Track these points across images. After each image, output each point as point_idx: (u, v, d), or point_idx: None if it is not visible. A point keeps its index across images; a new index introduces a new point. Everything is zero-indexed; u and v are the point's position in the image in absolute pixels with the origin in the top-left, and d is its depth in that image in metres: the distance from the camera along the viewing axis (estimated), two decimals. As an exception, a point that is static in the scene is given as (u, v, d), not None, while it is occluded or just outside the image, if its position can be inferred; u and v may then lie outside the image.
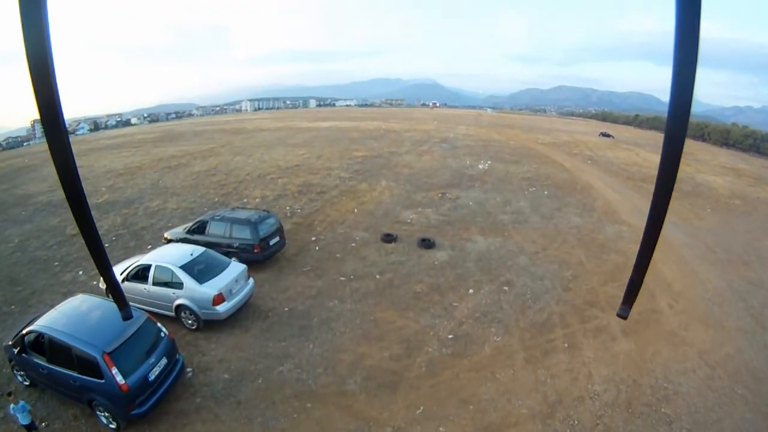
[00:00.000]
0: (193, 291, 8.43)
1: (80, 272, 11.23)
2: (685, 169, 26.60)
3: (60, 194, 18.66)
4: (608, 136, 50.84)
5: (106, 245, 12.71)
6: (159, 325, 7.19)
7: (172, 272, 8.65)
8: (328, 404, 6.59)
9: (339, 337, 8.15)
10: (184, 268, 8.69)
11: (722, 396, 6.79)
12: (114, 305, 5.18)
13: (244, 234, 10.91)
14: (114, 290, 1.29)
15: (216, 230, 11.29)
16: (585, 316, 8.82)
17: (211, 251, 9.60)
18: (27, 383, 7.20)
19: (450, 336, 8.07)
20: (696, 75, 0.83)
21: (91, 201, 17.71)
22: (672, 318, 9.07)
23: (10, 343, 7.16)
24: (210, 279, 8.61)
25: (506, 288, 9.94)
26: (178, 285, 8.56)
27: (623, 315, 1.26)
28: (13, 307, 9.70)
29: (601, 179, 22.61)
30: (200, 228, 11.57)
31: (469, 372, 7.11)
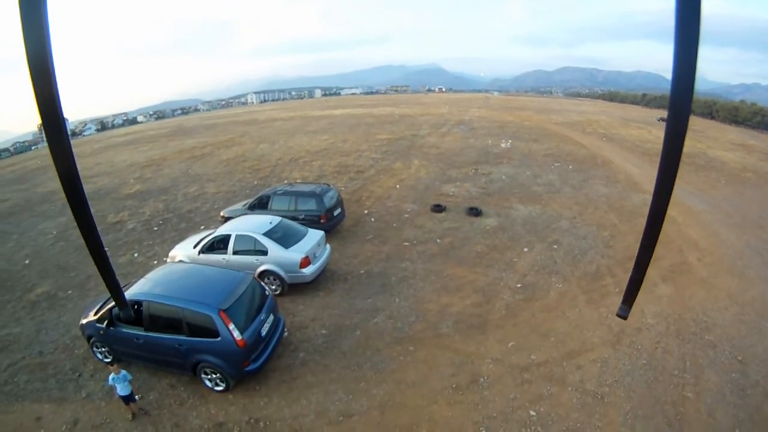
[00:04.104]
0: (279, 256, 8.83)
1: (135, 254, 11.75)
2: (696, 145, 27.50)
3: (87, 188, 19.43)
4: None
5: (155, 229, 13.81)
6: (263, 284, 7.51)
7: (255, 240, 9.03)
8: (429, 346, 7.38)
9: (420, 291, 9.16)
10: (267, 235, 9.11)
11: (752, 328, 7.83)
12: (216, 269, 6.54)
13: (309, 206, 11.57)
14: (114, 290, 1.29)
15: (280, 205, 11.82)
16: (628, 267, 9.92)
17: (287, 220, 10.09)
18: (108, 360, 7.02)
19: (518, 285, 9.28)
20: (696, 76, 0.82)
21: (123, 192, 18.56)
22: (701, 269, 10.16)
23: (92, 318, 7.02)
24: (294, 244, 9.08)
25: (555, 246, 11.16)
26: (262, 252, 8.94)
27: (623, 315, 1.27)
28: (70, 292, 9.92)
29: (619, 155, 23.62)
30: (261, 203, 12.07)
31: (542, 312, 8.30)
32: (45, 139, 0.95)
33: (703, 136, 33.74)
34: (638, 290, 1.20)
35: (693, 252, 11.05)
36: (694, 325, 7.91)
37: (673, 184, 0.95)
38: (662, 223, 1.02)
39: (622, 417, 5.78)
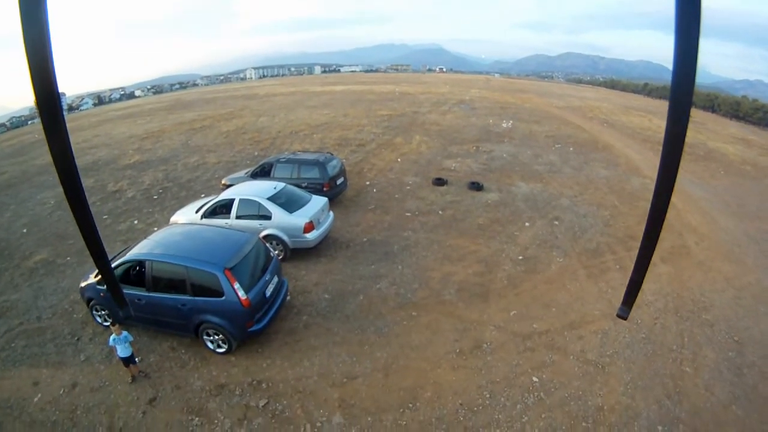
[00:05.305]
0: (282, 221, 8.82)
1: (135, 221, 11.62)
2: (697, 137, 27.44)
3: (85, 159, 19.09)
4: None
5: (154, 197, 13.58)
6: (268, 245, 7.40)
7: (259, 204, 8.99)
8: (432, 312, 7.44)
9: (423, 260, 9.17)
10: (271, 199, 9.06)
11: (749, 311, 7.90)
12: (220, 229, 6.28)
13: (312, 174, 11.44)
14: (113, 287, 1.22)
15: (282, 173, 11.64)
16: (628, 245, 9.96)
17: (291, 186, 10.00)
18: (108, 323, 6.92)
19: (520, 257, 9.31)
20: (696, 73, 0.80)
21: (122, 162, 18.30)
22: (699, 253, 10.19)
23: (93, 281, 6.84)
24: (297, 210, 9.05)
25: (556, 222, 11.18)
26: (266, 216, 8.91)
27: (623, 315, 1.27)
28: (68, 258, 9.80)
29: (619, 140, 23.50)
30: (264, 171, 11.92)
31: (544, 284, 8.35)
32: (43, 130, 0.90)
33: (703, 128, 33.72)
34: (638, 291, 1.18)
35: (691, 236, 11.10)
36: (692, 304, 7.99)
37: (673, 186, 0.91)
38: (663, 223, 0.99)
39: (623, 387, 5.86)
